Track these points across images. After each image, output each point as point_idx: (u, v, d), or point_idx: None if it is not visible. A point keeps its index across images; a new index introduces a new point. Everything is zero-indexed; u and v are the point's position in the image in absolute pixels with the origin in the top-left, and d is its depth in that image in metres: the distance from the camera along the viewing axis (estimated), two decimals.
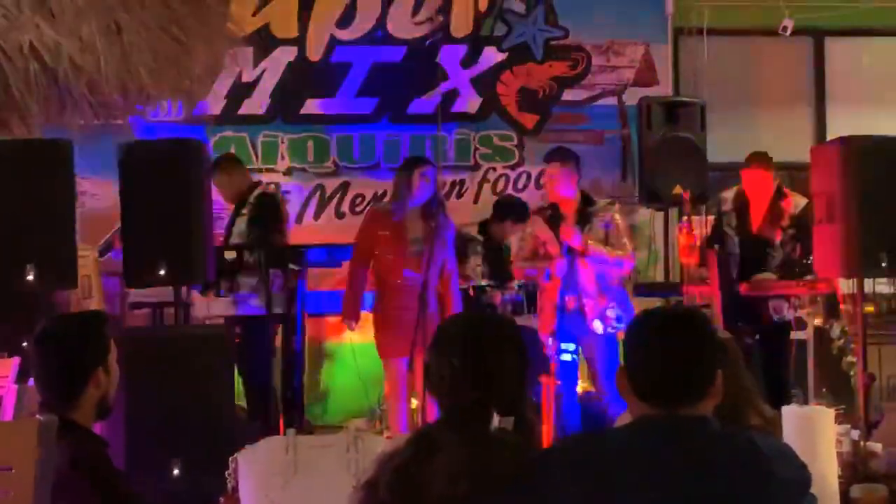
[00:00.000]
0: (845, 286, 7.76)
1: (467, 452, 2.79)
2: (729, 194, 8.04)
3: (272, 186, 8.86)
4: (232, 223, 8.18)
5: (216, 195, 7.55)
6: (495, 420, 2.86)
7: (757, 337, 7.74)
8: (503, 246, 9.08)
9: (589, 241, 7.30)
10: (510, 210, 9.16)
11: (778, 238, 7.77)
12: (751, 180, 7.85)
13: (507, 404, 2.90)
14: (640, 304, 7.79)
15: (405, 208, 7.47)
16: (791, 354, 7.87)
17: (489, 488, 2.74)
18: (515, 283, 8.55)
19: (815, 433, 3.43)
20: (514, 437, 2.86)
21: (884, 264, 6.27)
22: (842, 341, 8.96)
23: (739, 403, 3.66)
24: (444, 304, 7.46)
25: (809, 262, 7.46)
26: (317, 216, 9.87)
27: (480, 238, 8.84)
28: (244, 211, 8.13)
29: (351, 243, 7.94)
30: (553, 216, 7.47)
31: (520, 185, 10.10)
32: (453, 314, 3.06)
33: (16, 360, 5.52)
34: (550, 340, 7.36)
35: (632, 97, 9.86)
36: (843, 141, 6.51)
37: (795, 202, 7.77)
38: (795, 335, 8.01)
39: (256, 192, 8.30)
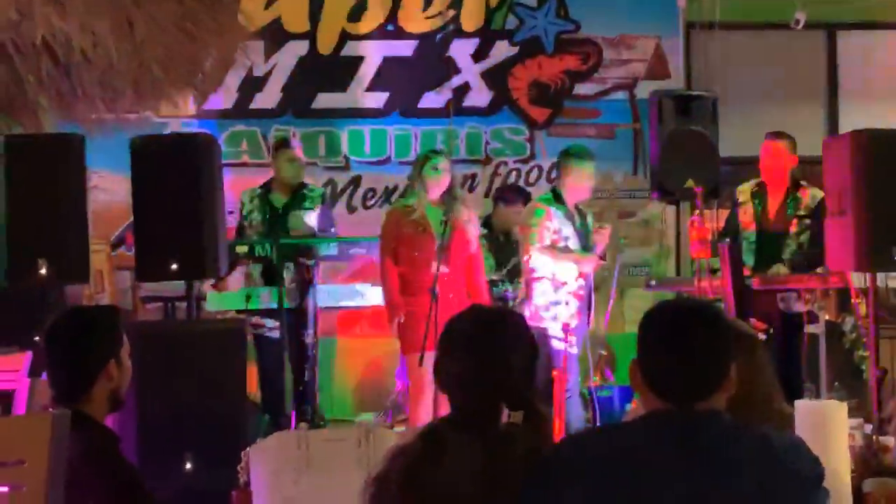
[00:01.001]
0: (857, 280, 7.73)
1: (477, 448, 2.79)
2: (746, 186, 8.05)
3: None
4: (278, 214, 8.15)
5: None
6: (505, 415, 2.86)
7: (771, 331, 7.73)
8: (510, 237, 9.10)
9: None
10: (509, 192, 9.31)
11: (793, 228, 7.78)
12: (767, 155, 7.86)
13: (517, 399, 2.89)
14: (652, 300, 7.81)
15: (423, 203, 7.48)
16: (804, 349, 7.86)
17: (500, 484, 2.74)
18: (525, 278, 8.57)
19: (827, 427, 3.42)
20: (525, 432, 2.85)
21: None
22: (854, 335, 8.95)
23: (755, 395, 3.65)
24: (471, 296, 7.46)
25: (820, 254, 7.51)
26: None
27: (485, 231, 8.84)
28: (308, 205, 8.15)
29: (362, 237, 7.97)
30: (569, 213, 7.79)
31: (531, 179, 10.09)
32: (462, 311, 3.05)
33: (28, 355, 5.54)
34: (570, 336, 7.49)
35: (643, 91, 9.83)
36: (856, 134, 6.48)
37: (812, 194, 7.77)
38: (807, 329, 7.99)
39: (318, 187, 8.37)
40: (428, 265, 7.33)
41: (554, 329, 7.66)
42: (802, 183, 7.93)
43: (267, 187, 8.28)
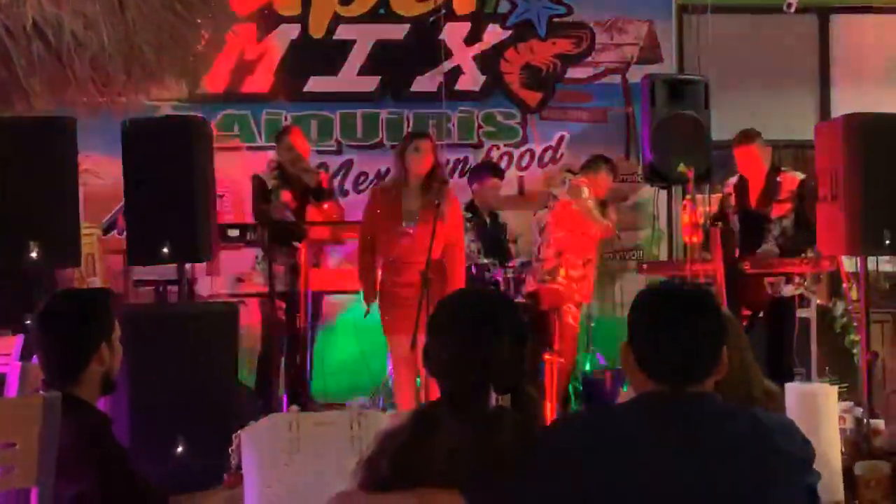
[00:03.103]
0: (849, 264, 7.76)
1: (466, 431, 2.79)
2: (732, 179, 8.15)
3: None
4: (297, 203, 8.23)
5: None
6: (493, 398, 2.86)
7: (761, 314, 7.77)
8: (497, 217, 9.11)
9: None
10: (485, 168, 9.34)
11: (774, 213, 7.83)
12: (741, 157, 7.99)
13: (505, 382, 2.89)
14: (644, 283, 7.83)
15: (403, 185, 7.42)
16: (794, 332, 7.89)
17: (490, 466, 2.74)
18: (518, 261, 8.58)
19: (818, 410, 3.43)
20: (514, 415, 2.85)
21: (887, 242, 6.26)
22: (845, 319, 8.99)
23: (742, 377, 3.67)
24: (448, 279, 7.38)
25: (804, 236, 7.60)
26: None
27: (469, 215, 8.82)
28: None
29: (354, 221, 7.95)
30: None
31: (523, 164, 10.09)
32: (450, 293, 3.01)
33: (19, 338, 5.52)
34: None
35: (635, 75, 9.85)
36: (848, 118, 6.49)
37: (792, 177, 7.87)
38: (798, 313, 8.02)
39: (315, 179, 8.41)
40: (395, 245, 7.26)
41: (576, 303, 8.03)
42: (782, 168, 8.03)
43: (279, 168, 8.38)
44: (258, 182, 8.39)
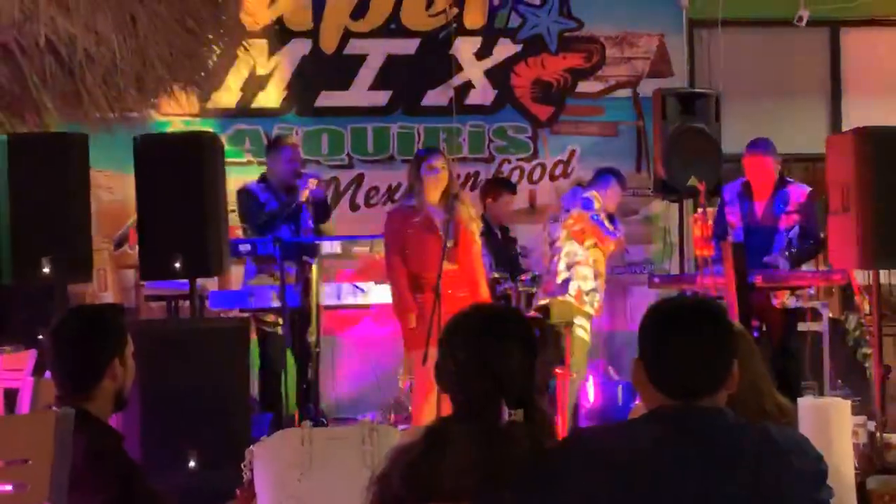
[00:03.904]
0: (861, 277, 7.75)
1: (478, 445, 2.79)
2: (733, 186, 8.09)
3: None
4: (289, 213, 8.16)
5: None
6: (506, 413, 2.86)
7: (764, 328, 7.75)
8: (507, 231, 9.12)
9: None
10: (500, 184, 9.34)
11: (781, 224, 7.81)
12: (751, 166, 7.91)
13: (516, 397, 2.89)
14: (655, 297, 7.82)
15: (425, 203, 7.42)
16: (802, 345, 7.87)
17: (501, 481, 2.74)
18: (529, 275, 8.58)
19: (830, 425, 3.42)
20: (525, 430, 2.85)
21: None
22: (857, 333, 8.96)
23: (754, 392, 3.66)
24: (472, 294, 7.41)
25: (810, 248, 7.59)
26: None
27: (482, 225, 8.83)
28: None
29: (365, 235, 7.95)
30: None
31: (535, 177, 10.09)
32: (462, 309, 3.01)
33: (32, 353, 5.55)
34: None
35: (646, 88, 9.85)
36: (859, 131, 6.49)
37: (799, 190, 7.84)
38: (809, 326, 8.00)
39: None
40: (435, 264, 7.27)
41: (587, 316, 8.03)
42: (788, 179, 7.99)
43: (265, 181, 8.26)
44: (246, 194, 8.25)
